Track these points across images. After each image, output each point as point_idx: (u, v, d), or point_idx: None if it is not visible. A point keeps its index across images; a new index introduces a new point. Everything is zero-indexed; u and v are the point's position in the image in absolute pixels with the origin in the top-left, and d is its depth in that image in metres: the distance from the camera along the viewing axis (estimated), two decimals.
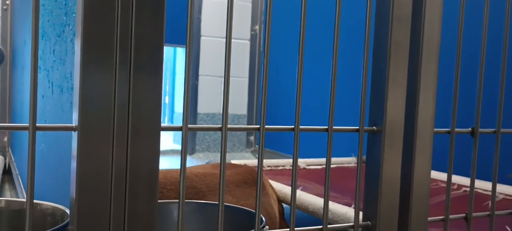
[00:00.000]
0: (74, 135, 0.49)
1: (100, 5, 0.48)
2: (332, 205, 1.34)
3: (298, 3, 0.62)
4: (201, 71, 3.63)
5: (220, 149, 0.56)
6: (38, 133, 0.48)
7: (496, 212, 0.82)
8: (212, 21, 3.62)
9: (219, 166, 0.57)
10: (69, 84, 1.00)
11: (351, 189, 1.73)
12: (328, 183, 0.65)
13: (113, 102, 0.50)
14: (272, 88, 3.20)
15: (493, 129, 0.81)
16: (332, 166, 0.63)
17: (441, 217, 0.77)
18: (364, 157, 0.69)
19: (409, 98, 0.69)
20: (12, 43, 2.70)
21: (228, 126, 0.56)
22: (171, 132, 4.30)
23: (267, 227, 0.77)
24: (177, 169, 1.24)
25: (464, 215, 0.80)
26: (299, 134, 0.62)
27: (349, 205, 1.38)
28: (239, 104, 3.76)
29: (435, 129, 0.71)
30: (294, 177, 0.62)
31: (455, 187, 1.71)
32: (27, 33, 2.03)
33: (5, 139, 2.71)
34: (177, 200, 0.55)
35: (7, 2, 2.69)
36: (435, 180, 1.75)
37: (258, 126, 0.59)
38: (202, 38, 3.61)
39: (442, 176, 1.75)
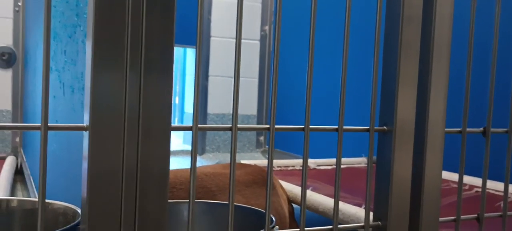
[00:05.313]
0: (85, 134, 0.50)
1: (111, 6, 0.49)
2: (343, 205, 1.34)
3: (307, 3, 0.61)
4: (211, 71, 3.63)
5: (230, 149, 0.56)
6: (49, 133, 0.48)
7: (508, 213, 0.82)
8: (222, 21, 3.63)
9: (229, 166, 0.57)
10: (80, 84, 1.01)
11: (361, 189, 1.72)
12: (338, 183, 0.65)
13: (124, 103, 0.50)
14: (282, 88, 3.19)
15: (505, 129, 0.80)
16: (342, 166, 0.63)
17: (453, 217, 0.76)
18: (374, 157, 0.68)
19: (420, 98, 0.69)
20: (24, 44, 2.72)
21: (238, 125, 0.56)
22: (182, 134, 4.29)
23: (277, 227, 0.77)
24: (187, 169, 1.24)
25: (476, 215, 0.79)
26: (309, 134, 0.61)
27: (360, 206, 1.37)
28: (249, 104, 3.75)
29: (446, 129, 0.71)
30: (304, 177, 0.62)
31: (467, 187, 1.70)
32: (39, 35, 2.05)
33: (17, 139, 2.73)
34: (187, 200, 0.55)
35: (19, 3, 2.72)
36: (447, 181, 1.74)
37: (268, 126, 0.59)
38: (212, 38, 3.62)
39: (454, 176, 1.73)
